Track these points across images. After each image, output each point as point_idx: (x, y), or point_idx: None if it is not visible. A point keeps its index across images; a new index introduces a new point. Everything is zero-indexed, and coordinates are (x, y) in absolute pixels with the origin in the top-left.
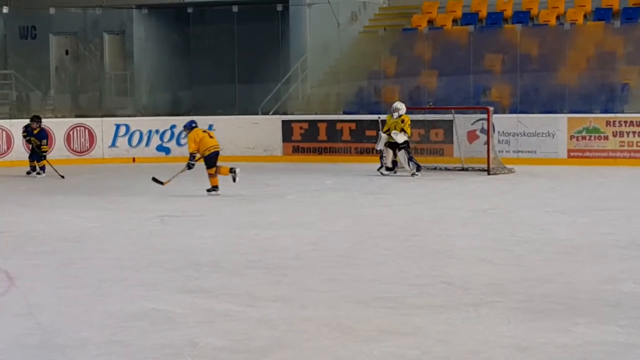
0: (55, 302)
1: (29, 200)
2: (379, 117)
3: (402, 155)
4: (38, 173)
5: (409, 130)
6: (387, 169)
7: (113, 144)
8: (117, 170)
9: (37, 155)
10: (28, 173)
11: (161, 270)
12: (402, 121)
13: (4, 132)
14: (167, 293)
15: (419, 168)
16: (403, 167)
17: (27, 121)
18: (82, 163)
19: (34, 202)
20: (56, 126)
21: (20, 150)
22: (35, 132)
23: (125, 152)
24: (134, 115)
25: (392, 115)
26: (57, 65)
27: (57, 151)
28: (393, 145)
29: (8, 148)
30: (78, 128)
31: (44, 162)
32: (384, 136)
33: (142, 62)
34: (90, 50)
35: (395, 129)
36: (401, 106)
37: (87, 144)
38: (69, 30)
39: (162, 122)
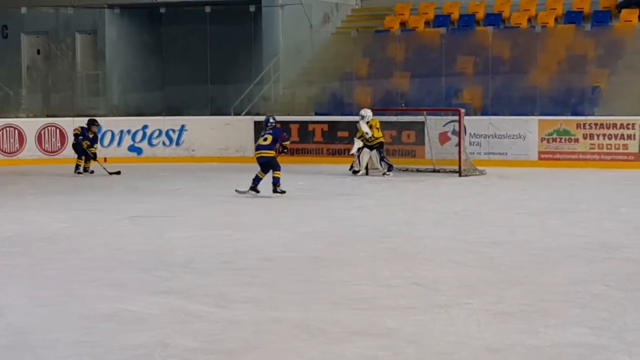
0: (26, 302)
1: (1, 201)
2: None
3: (374, 154)
4: (80, 172)
5: (377, 132)
6: (355, 172)
7: None
8: None
9: (82, 155)
10: (79, 173)
11: (132, 271)
12: (371, 126)
13: None
14: (138, 294)
15: (390, 168)
16: (376, 168)
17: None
18: (53, 163)
19: (5, 202)
20: (27, 126)
21: None
22: (91, 135)
23: (97, 152)
24: (106, 116)
25: (359, 122)
26: (29, 64)
27: (27, 151)
28: (370, 147)
29: None
30: (49, 128)
31: (92, 161)
32: (357, 141)
33: (114, 62)
34: (62, 50)
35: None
36: (366, 113)
37: (59, 144)
38: (41, 29)
39: (133, 123)
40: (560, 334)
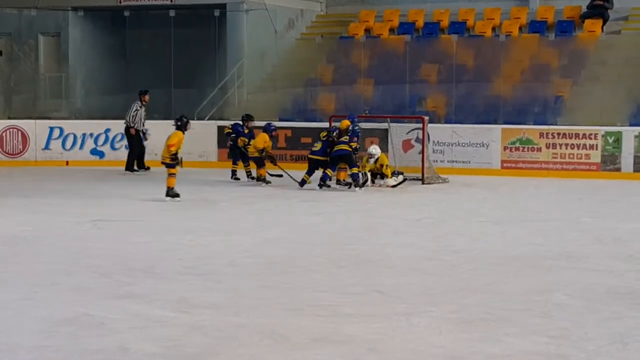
0: None
1: None
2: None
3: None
4: (237, 178)
5: (389, 172)
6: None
7: (46, 147)
8: (50, 173)
9: (239, 157)
10: (237, 179)
11: (93, 275)
12: (381, 165)
13: None
14: (99, 298)
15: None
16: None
17: None
18: (15, 165)
19: None
20: None
21: None
22: (245, 131)
23: (59, 155)
24: (68, 118)
25: (368, 161)
26: None
27: None
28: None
29: None
30: (11, 130)
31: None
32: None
33: (77, 64)
34: (25, 52)
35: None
36: (377, 151)
37: (20, 146)
38: (4, 30)
39: (96, 126)
40: (521, 342)
